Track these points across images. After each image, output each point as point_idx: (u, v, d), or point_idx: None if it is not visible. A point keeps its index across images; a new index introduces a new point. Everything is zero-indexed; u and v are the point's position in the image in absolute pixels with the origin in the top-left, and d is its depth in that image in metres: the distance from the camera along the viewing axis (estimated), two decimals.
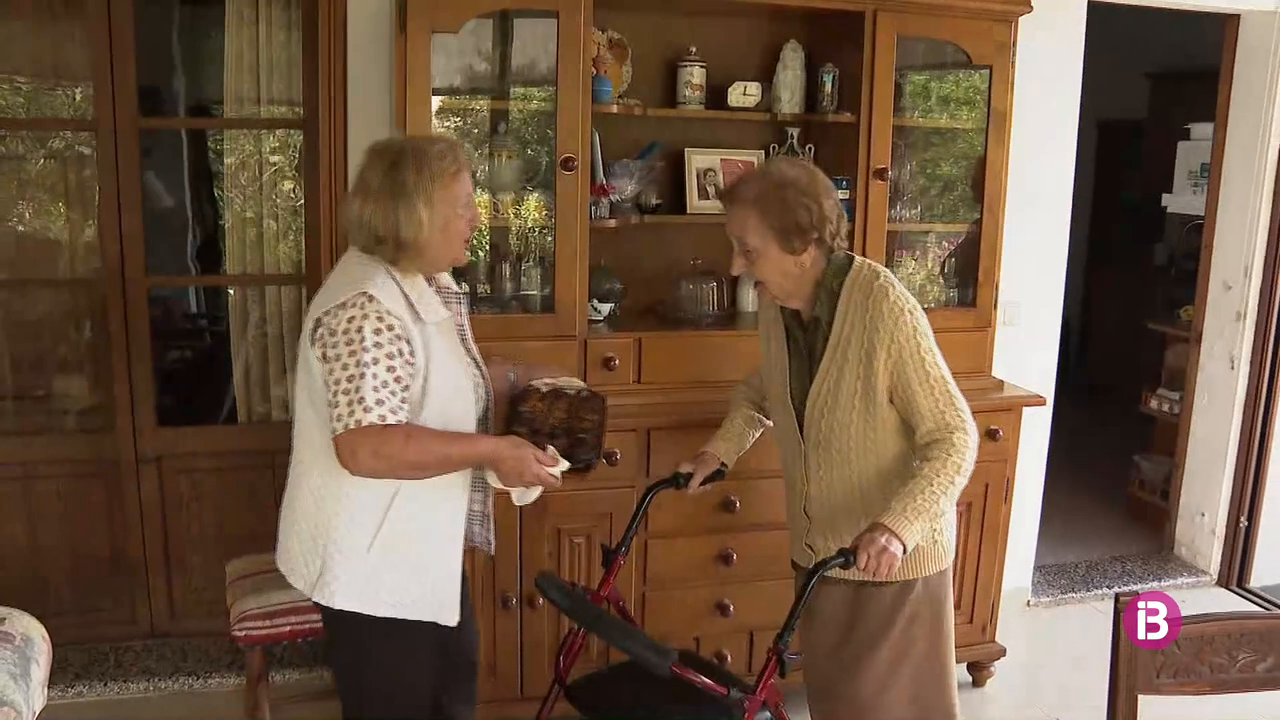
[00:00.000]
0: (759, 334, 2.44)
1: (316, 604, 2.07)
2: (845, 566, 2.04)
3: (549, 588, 2.18)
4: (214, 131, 4.69)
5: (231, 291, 3.54)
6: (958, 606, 3.35)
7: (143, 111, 3.21)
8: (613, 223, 3.04)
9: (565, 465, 2.08)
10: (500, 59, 3.02)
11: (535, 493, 2.17)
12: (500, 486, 2.12)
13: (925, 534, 2.10)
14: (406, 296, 1.98)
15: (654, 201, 3.23)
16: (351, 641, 2.11)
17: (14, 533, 3.30)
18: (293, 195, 3.37)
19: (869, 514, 2.19)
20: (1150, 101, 6.67)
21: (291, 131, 3.38)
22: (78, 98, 3.29)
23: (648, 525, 2.97)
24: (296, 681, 3.32)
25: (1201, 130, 4.76)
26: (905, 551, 2.03)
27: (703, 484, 2.43)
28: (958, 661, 3.39)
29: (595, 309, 3.09)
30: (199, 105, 4.56)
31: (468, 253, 2.17)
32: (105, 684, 3.21)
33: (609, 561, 2.37)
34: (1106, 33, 4.06)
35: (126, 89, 3.14)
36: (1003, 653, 3.46)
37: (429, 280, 2.09)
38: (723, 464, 2.44)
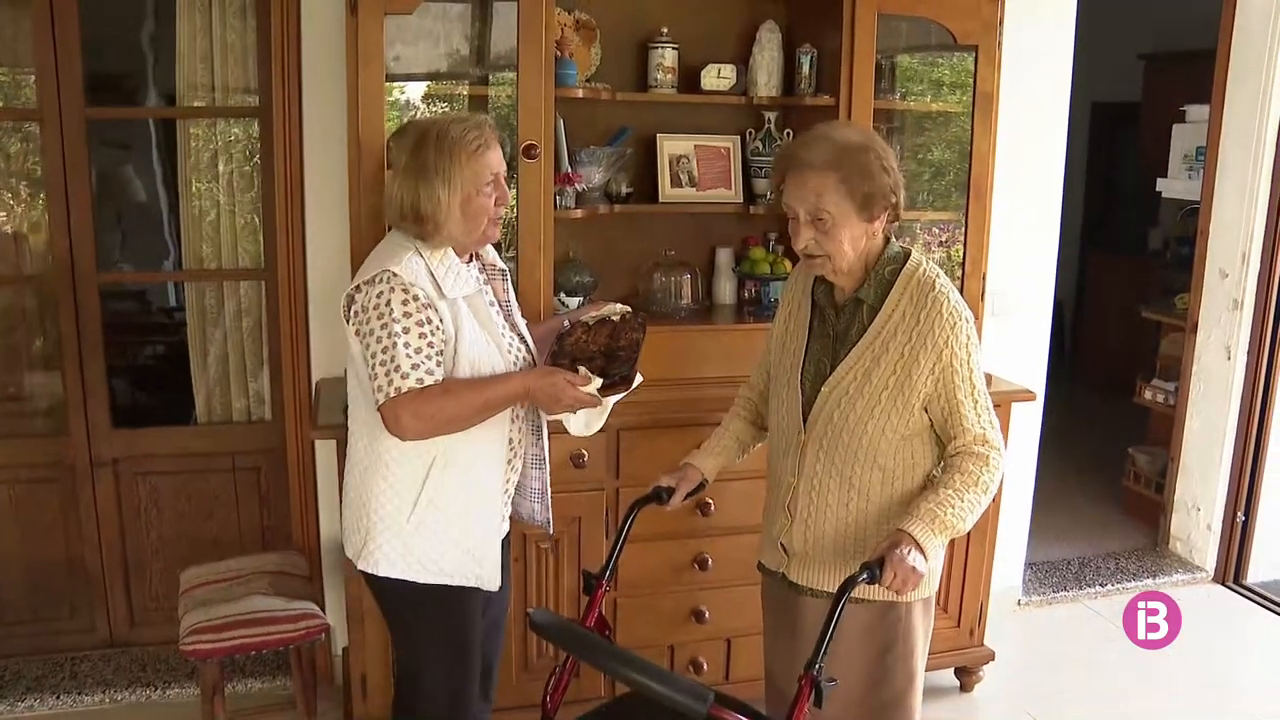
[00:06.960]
0: (778, 310, 2.26)
1: (363, 572, 2.16)
2: (871, 582, 1.86)
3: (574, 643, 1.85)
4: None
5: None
6: (945, 609, 3.26)
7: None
8: (579, 213, 2.90)
9: (598, 382, 2.11)
10: (459, 41, 2.87)
11: (598, 421, 2.25)
12: (572, 424, 2.23)
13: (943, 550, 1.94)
14: (432, 273, 2.05)
15: (625, 190, 3.09)
16: (402, 608, 2.20)
17: None
18: (249, 186, 3.22)
19: (859, 523, 2.06)
20: (1145, 83, 6.52)
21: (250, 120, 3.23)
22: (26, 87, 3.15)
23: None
24: (260, 690, 3.21)
25: (1197, 112, 4.65)
26: (926, 566, 1.87)
27: (684, 499, 2.28)
28: (945, 667, 3.33)
29: (562, 304, 2.95)
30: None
31: (500, 231, 2.20)
32: (58, 696, 3.09)
33: (591, 589, 2.12)
34: (1099, 12, 3.91)
35: (72, 77, 3.00)
36: (991, 656, 3.34)
37: (474, 256, 2.20)
38: (704, 480, 2.28)
